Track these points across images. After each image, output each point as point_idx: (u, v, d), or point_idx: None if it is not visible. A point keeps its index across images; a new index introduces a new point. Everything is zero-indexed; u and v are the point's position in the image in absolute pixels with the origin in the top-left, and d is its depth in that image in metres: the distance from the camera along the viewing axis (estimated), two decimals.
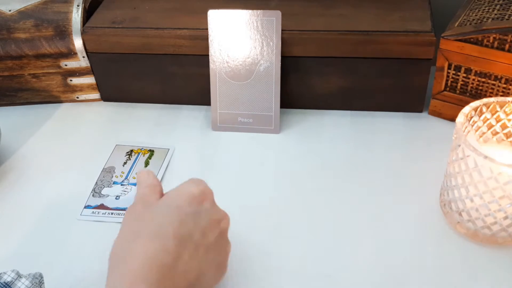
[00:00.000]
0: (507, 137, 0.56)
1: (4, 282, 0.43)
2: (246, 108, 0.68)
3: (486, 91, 0.64)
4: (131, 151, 0.67)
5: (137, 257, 0.39)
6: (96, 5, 0.75)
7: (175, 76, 0.72)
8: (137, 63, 0.71)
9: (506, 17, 0.60)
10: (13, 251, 0.55)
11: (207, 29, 0.66)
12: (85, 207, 0.59)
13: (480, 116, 0.54)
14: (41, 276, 0.46)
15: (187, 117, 0.72)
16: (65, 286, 0.51)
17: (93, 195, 0.61)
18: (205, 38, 0.67)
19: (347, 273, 0.51)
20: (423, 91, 0.68)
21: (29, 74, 0.73)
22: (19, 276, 0.44)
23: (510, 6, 0.62)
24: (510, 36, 0.58)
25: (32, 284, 0.44)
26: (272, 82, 0.66)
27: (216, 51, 0.66)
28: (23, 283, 0.44)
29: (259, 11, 0.64)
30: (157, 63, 0.70)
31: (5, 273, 0.44)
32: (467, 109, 0.52)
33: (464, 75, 0.64)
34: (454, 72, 0.65)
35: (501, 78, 0.62)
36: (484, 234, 0.52)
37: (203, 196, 0.45)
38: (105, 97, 0.76)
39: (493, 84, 0.63)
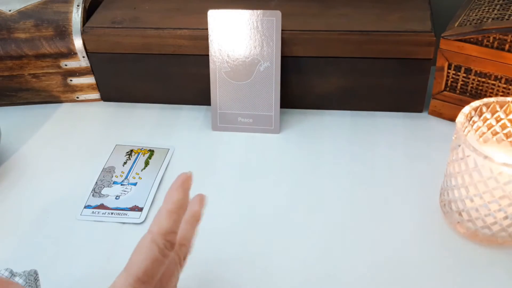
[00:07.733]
0: (507, 137, 0.56)
1: None
2: (246, 108, 0.68)
3: (486, 91, 0.64)
4: (131, 151, 0.67)
5: None
6: (96, 5, 0.75)
7: (175, 76, 0.72)
8: (137, 63, 0.71)
9: (506, 17, 0.60)
10: (13, 251, 0.55)
11: (207, 29, 0.66)
12: (85, 207, 0.59)
13: (480, 116, 0.54)
14: (36, 273, 0.45)
15: (187, 117, 0.72)
16: (65, 286, 0.51)
17: (93, 195, 0.61)
18: (205, 38, 0.67)
19: (347, 272, 0.51)
20: (423, 91, 0.68)
21: (29, 74, 0.73)
22: (12, 274, 0.44)
23: (510, 6, 0.62)
24: (510, 36, 0.58)
25: (26, 282, 0.44)
26: (272, 82, 0.66)
27: (216, 51, 0.66)
28: (17, 282, 0.44)
29: (259, 11, 0.64)
30: (157, 63, 0.70)
31: None
32: (467, 109, 0.52)
33: (464, 75, 0.64)
34: (454, 72, 0.65)
35: (501, 78, 0.62)
36: (484, 234, 0.52)
37: None
38: (105, 97, 0.76)
39: (493, 84, 0.63)
